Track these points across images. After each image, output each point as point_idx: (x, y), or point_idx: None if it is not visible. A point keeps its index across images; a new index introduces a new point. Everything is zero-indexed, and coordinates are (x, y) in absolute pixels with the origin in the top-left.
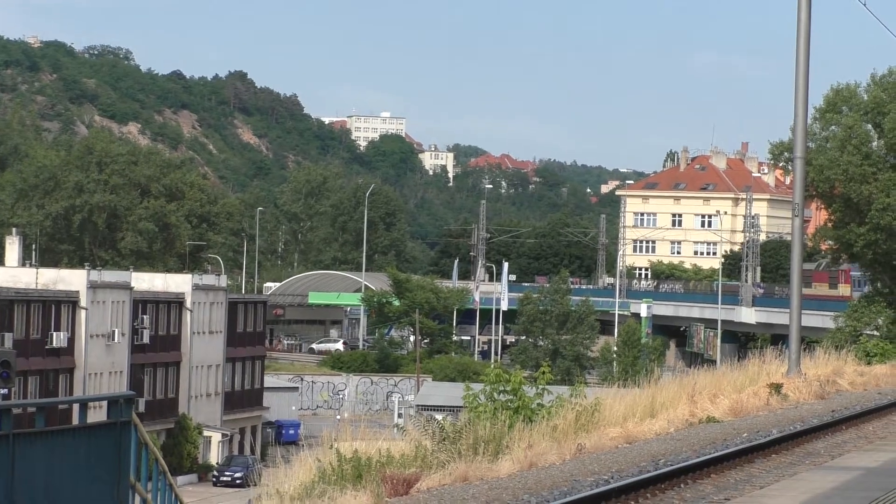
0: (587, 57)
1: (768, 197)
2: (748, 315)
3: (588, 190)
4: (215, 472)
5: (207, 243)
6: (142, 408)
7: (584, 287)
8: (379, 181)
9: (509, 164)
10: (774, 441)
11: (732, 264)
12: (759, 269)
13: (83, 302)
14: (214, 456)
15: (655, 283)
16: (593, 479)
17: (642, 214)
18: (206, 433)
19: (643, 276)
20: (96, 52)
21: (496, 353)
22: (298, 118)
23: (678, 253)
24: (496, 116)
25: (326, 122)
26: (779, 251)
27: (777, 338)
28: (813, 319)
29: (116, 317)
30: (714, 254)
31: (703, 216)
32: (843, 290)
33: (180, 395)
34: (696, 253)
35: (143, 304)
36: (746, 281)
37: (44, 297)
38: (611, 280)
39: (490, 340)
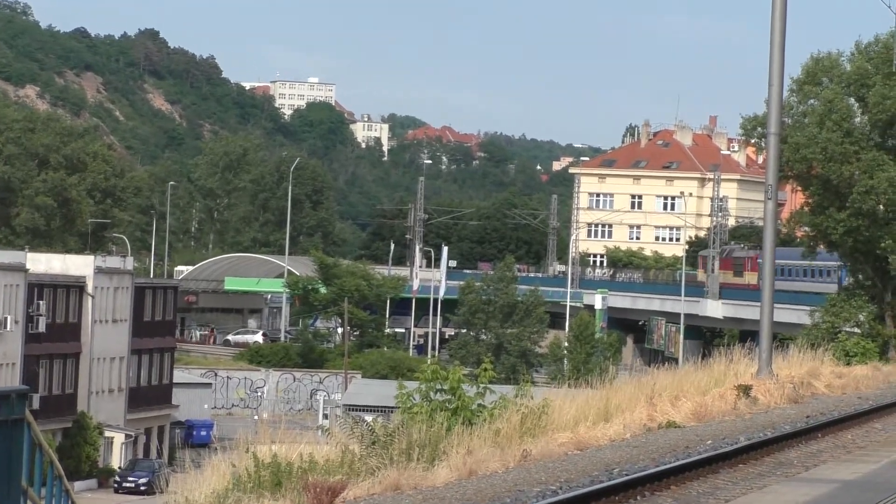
0: (538, 18)
1: (738, 177)
2: (714, 308)
3: (538, 167)
4: (117, 478)
5: (112, 221)
6: (36, 404)
7: (532, 275)
8: (305, 154)
9: (451, 137)
10: (742, 449)
11: (697, 252)
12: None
13: None
14: (117, 459)
15: (612, 272)
16: (539, 489)
17: (598, 195)
18: (107, 434)
19: (598, 263)
20: None
21: (433, 348)
22: (216, 83)
23: (637, 238)
24: (437, 84)
25: (247, 88)
26: (749, 238)
27: (746, 334)
28: (786, 314)
29: (8, 302)
30: (677, 240)
31: (665, 198)
32: (750, 278)
33: (79, 390)
34: (657, 239)
35: (38, 288)
36: (713, 270)
37: None
38: (562, 268)
39: (427, 333)
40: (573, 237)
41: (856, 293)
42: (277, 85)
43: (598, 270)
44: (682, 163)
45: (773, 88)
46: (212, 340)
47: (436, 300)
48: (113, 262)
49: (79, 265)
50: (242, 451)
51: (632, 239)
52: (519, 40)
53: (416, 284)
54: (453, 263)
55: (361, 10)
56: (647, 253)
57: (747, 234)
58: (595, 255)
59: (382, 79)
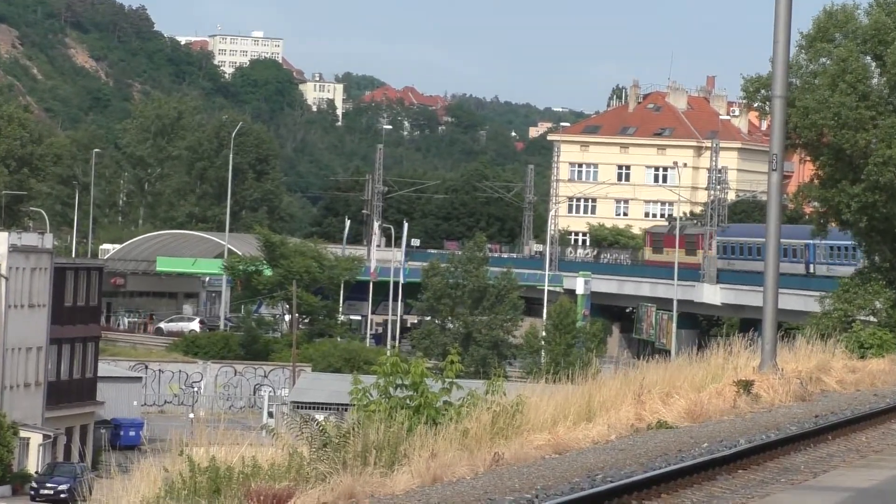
0: None
1: (739, 146)
2: (712, 294)
3: (513, 134)
4: (34, 484)
5: (29, 193)
6: None
7: (505, 256)
8: (248, 118)
9: (414, 99)
10: (742, 453)
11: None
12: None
13: None
14: (33, 463)
15: (595, 252)
16: (513, 497)
17: (580, 165)
18: (23, 434)
19: (580, 243)
20: None
21: (393, 338)
22: (147, 37)
23: (625, 215)
24: (398, 39)
25: (182, 43)
26: (751, 214)
27: (748, 323)
28: (793, 301)
29: None
30: (671, 216)
31: (656, 169)
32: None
33: None
34: (647, 215)
35: None
36: (710, 249)
37: None
38: (539, 247)
39: (386, 321)
40: (552, 213)
41: (872, 277)
42: (217, 39)
43: (579, 251)
44: (676, 129)
45: (778, 45)
46: (142, 328)
47: (396, 284)
48: (29, 239)
49: None
50: (176, 453)
51: (618, 215)
52: None
53: (373, 266)
54: (416, 242)
55: None
56: (636, 231)
57: (749, 209)
58: (577, 234)
59: (336, 33)
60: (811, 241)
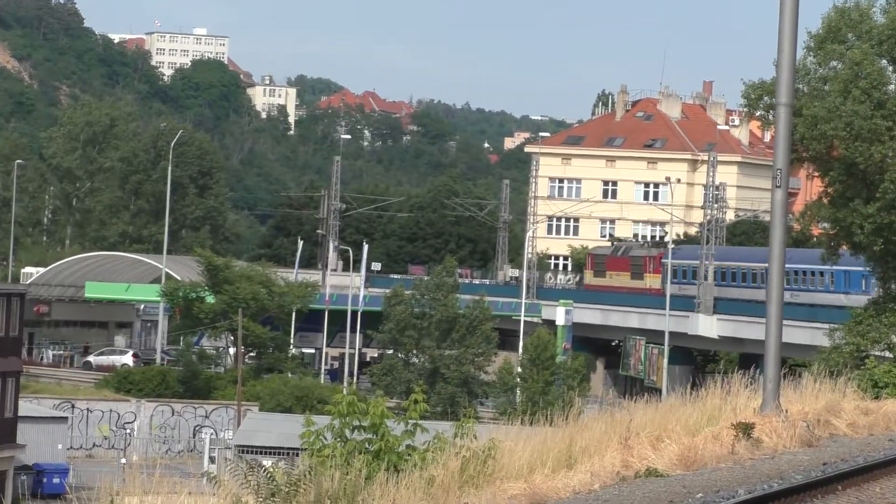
0: None
1: (739, 159)
2: (708, 325)
3: (486, 145)
4: None
5: None
6: None
7: (477, 282)
8: (190, 126)
9: (375, 105)
10: None
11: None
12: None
13: None
14: None
15: (578, 279)
16: None
17: (561, 181)
18: None
19: (561, 267)
20: None
21: (351, 374)
22: (76, 34)
23: (611, 236)
24: (357, 38)
25: (116, 41)
26: (752, 236)
27: (748, 359)
28: (799, 334)
29: None
30: (662, 238)
31: (646, 185)
32: (651, 280)
33: None
34: (636, 236)
35: None
36: (706, 277)
37: None
38: (515, 273)
39: (342, 355)
40: (529, 234)
41: (888, 308)
42: (155, 37)
43: (560, 276)
44: (669, 140)
45: (784, 47)
46: (68, 362)
47: (354, 313)
48: None
49: None
50: (105, 502)
51: (604, 237)
52: None
53: (326, 292)
54: (377, 266)
55: None
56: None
57: (750, 230)
58: (557, 258)
59: (288, 31)
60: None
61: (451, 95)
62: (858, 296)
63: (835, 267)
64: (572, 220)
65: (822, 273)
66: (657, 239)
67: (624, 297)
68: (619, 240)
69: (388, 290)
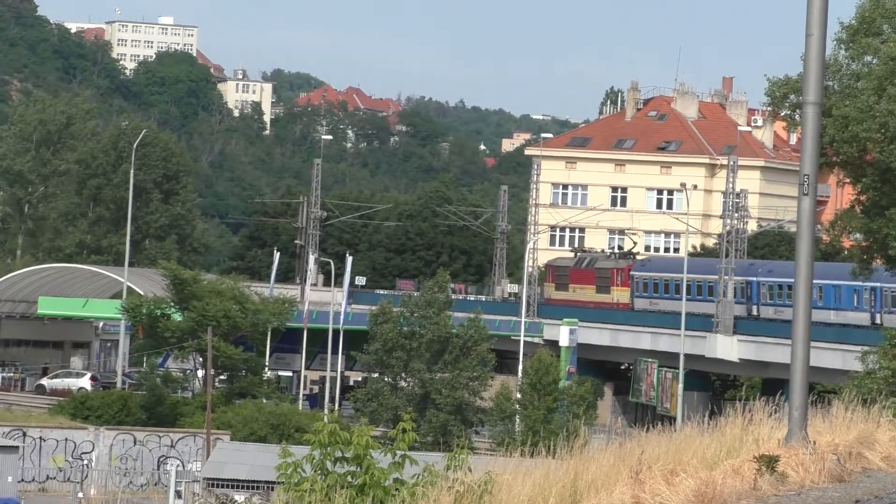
0: None
1: (762, 164)
2: (727, 347)
3: (482, 147)
4: None
5: None
6: None
7: (472, 299)
8: (154, 125)
9: (360, 103)
10: None
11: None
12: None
13: None
14: None
15: (630, 298)
16: None
17: (566, 187)
18: None
19: None
20: None
21: (332, 400)
22: (29, 23)
23: (620, 248)
24: (340, 29)
25: (73, 31)
26: (776, 248)
27: (772, 384)
28: (829, 357)
29: None
30: (676, 250)
31: (659, 191)
32: (619, 294)
33: None
34: (647, 248)
35: None
36: (724, 294)
37: None
38: (514, 288)
39: (323, 379)
40: (530, 245)
41: None
42: (116, 27)
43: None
44: (684, 143)
45: (812, 40)
46: (19, 385)
47: (336, 332)
48: None
49: None
50: None
51: (612, 248)
52: None
53: (305, 309)
54: (362, 281)
55: None
56: None
57: (774, 242)
58: None
59: (263, 21)
60: (754, 279)
61: (444, 92)
62: (847, 312)
63: (823, 281)
64: (577, 231)
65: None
66: (625, 250)
67: (635, 316)
68: (584, 250)
69: (373, 307)
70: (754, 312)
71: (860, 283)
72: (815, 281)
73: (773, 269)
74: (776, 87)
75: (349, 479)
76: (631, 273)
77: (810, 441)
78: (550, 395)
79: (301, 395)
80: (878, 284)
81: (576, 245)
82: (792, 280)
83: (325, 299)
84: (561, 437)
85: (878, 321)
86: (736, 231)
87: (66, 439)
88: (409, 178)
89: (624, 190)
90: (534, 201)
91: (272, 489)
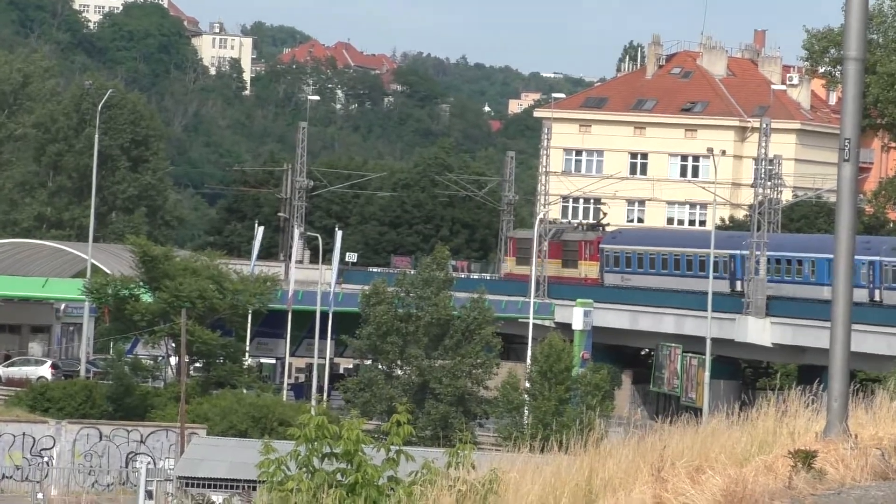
0: None
1: (798, 126)
2: (759, 331)
3: (486, 108)
4: None
5: None
6: None
7: (476, 277)
8: (121, 84)
9: (350, 59)
10: None
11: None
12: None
13: None
14: None
15: (599, 272)
16: None
17: (579, 153)
18: None
19: None
20: None
21: (320, 389)
22: None
23: (640, 221)
24: None
25: None
26: (814, 220)
27: (809, 371)
28: (873, 341)
29: None
30: (702, 223)
31: (684, 158)
32: (587, 269)
33: None
34: (670, 221)
35: None
36: (757, 271)
37: None
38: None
39: (310, 366)
40: (539, 217)
41: None
42: None
43: None
44: (711, 103)
45: None
46: None
47: (324, 314)
48: None
49: None
50: None
51: (631, 220)
52: None
53: (290, 289)
54: (353, 257)
55: None
56: None
57: (811, 213)
58: None
59: None
60: (738, 253)
61: (443, 48)
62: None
63: (816, 255)
64: (592, 201)
65: (800, 262)
66: (595, 222)
67: (656, 296)
68: (551, 222)
69: (365, 287)
70: (738, 288)
71: (858, 258)
72: (806, 255)
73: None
74: (815, 40)
75: (339, 477)
76: (601, 246)
77: (851, 434)
78: (562, 384)
79: (285, 385)
80: (878, 258)
81: (590, 218)
82: (783, 254)
83: (311, 278)
84: (574, 430)
85: (877, 298)
86: (769, 202)
87: (24, 434)
88: (405, 143)
89: (644, 156)
90: (544, 169)
91: (254, 489)
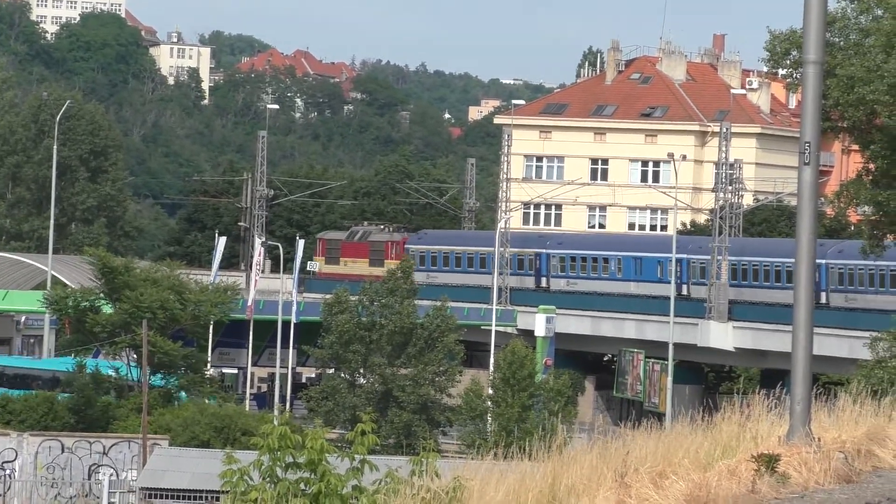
0: None
1: (759, 130)
2: (721, 335)
3: (446, 115)
4: None
5: None
6: None
7: (437, 284)
8: (80, 95)
9: (309, 67)
10: None
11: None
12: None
13: None
14: None
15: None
16: None
17: (540, 159)
18: None
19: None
20: None
21: (283, 399)
22: None
23: (601, 227)
24: None
25: None
26: (775, 223)
27: (772, 376)
28: (834, 344)
29: None
30: (663, 228)
31: (644, 163)
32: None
33: None
34: (631, 226)
35: None
36: (718, 276)
37: None
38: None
39: (272, 376)
40: (501, 224)
41: None
42: None
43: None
44: (671, 108)
45: None
46: None
47: (286, 324)
48: None
49: None
50: None
51: (592, 226)
52: None
53: (250, 298)
54: (316, 266)
55: None
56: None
57: (773, 217)
58: None
59: None
60: (543, 252)
61: (403, 55)
62: (649, 284)
63: (621, 253)
64: (553, 208)
65: (605, 259)
66: (401, 225)
67: (617, 302)
68: (361, 223)
69: (328, 296)
70: (543, 284)
71: (666, 255)
72: (623, 254)
73: (563, 241)
74: (778, 42)
75: (302, 487)
76: (406, 246)
77: (814, 438)
78: (525, 390)
79: (248, 395)
80: (824, 261)
81: (552, 224)
82: (580, 252)
83: (273, 287)
84: (537, 437)
85: (822, 300)
86: (730, 206)
87: None
88: (366, 151)
89: (605, 162)
90: (505, 175)
91: (217, 499)
